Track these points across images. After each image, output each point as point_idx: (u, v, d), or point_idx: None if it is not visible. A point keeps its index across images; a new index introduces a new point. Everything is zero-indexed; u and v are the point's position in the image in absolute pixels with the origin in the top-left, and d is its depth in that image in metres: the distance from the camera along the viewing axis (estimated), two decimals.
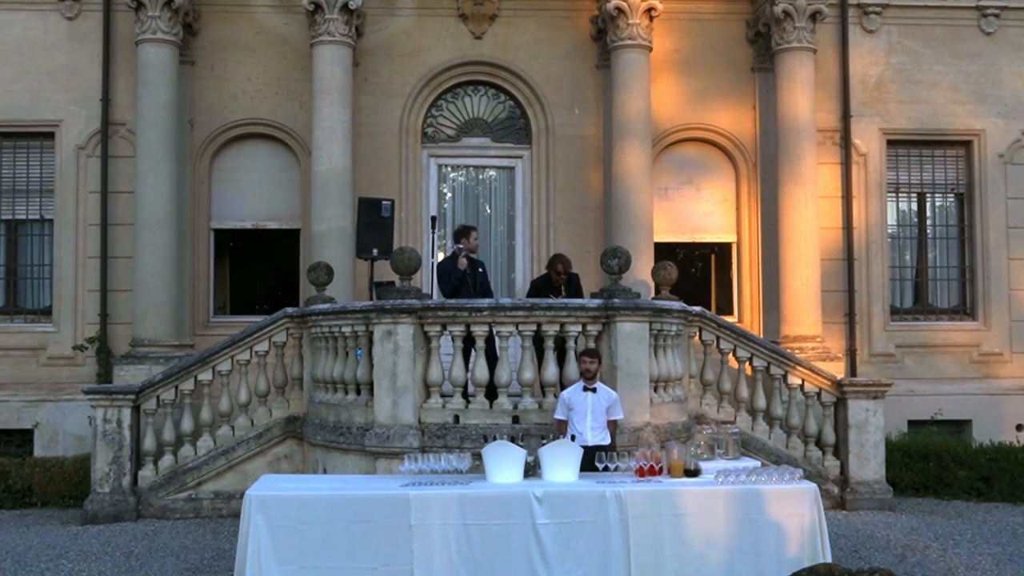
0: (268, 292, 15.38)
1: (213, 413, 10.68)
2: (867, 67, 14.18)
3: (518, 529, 6.90)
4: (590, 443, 8.06)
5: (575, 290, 10.62)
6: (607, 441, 8.27)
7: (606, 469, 7.54)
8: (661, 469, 7.40)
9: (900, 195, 14.51)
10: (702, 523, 7.10)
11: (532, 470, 7.38)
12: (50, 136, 13.46)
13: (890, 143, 14.28)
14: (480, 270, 10.74)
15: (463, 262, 10.38)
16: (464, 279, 10.37)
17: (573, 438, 8.04)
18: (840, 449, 10.99)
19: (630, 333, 9.21)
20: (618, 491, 7.00)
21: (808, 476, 8.65)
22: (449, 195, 14.05)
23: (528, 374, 9.18)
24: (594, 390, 8.33)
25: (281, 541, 6.85)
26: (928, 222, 14.64)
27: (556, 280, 10.54)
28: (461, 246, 10.50)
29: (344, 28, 12.81)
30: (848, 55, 14.02)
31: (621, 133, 13.11)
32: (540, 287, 10.78)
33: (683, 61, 14.00)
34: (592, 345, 9.17)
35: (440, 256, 13.20)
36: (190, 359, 11.04)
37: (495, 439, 7.89)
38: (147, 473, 10.49)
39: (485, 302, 9.22)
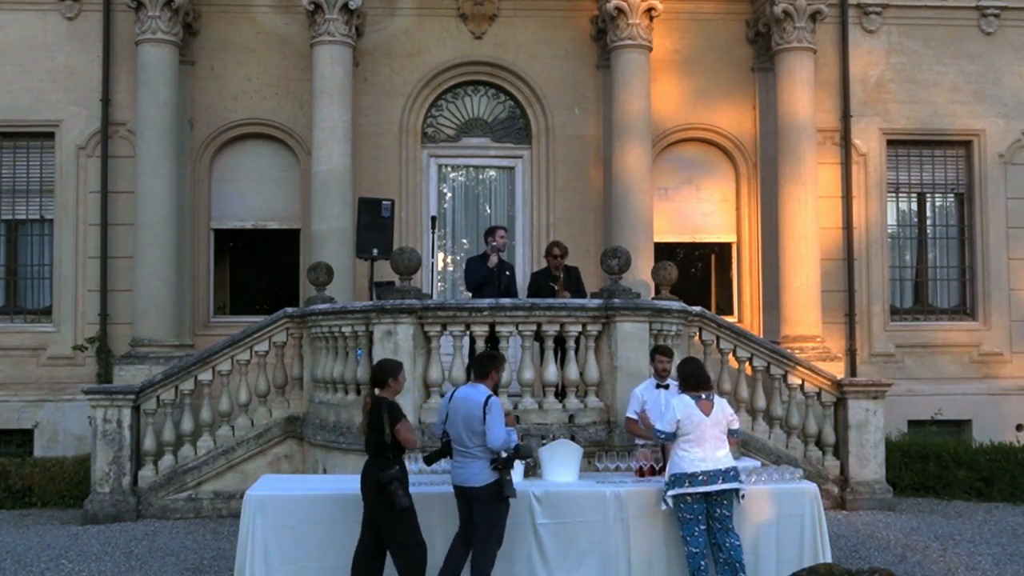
0: (268, 292, 15.37)
1: (213, 413, 10.68)
2: (867, 67, 14.17)
3: (518, 529, 6.91)
4: None
5: (576, 283, 10.61)
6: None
7: (606, 469, 7.55)
8: (661, 469, 7.41)
9: (900, 195, 14.51)
10: None
11: (532, 470, 7.39)
12: (50, 136, 13.46)
13: (890, 143, 14.27)
14: (508, 273, 10.71)
15: (493, 260, 10.39)
16: (490, 277, 10.35)
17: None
18: (840, 449, 10.98)
19: (630, 333, 9.20)
20: (618, 491, 7.02)
21: (808, 476, 8.66)
22: (449, 195, 14.04)
23: (528, 374, 9.18)
24: (667, 386, 8.30)
25: (281, 541, 6.86)
26: (928, 222, 14.64)
27: (552, 264, 10.53)
28: (494, 243, 10.48)
29: (344, 28, 12.80)
30: (848, 55, 14.01)
31: (621, 133, 13.10)
32: (541, 277, 10.78)
33: (683, 61, 13.99)
34: (593, 344, 9.17)
35: (441, 256, 13.19)
36: (190, 359, 11.04)
37: None
38: (147, 473, 10.49)
39: (485, 302, 9.22)
